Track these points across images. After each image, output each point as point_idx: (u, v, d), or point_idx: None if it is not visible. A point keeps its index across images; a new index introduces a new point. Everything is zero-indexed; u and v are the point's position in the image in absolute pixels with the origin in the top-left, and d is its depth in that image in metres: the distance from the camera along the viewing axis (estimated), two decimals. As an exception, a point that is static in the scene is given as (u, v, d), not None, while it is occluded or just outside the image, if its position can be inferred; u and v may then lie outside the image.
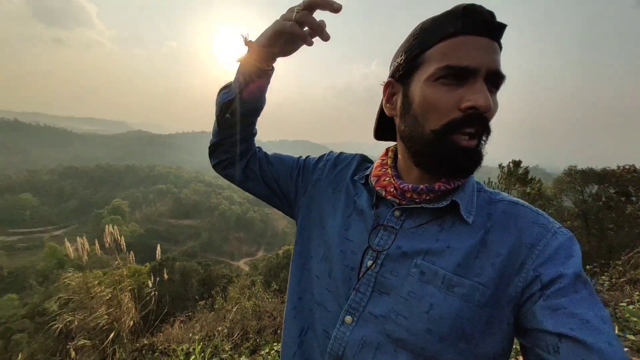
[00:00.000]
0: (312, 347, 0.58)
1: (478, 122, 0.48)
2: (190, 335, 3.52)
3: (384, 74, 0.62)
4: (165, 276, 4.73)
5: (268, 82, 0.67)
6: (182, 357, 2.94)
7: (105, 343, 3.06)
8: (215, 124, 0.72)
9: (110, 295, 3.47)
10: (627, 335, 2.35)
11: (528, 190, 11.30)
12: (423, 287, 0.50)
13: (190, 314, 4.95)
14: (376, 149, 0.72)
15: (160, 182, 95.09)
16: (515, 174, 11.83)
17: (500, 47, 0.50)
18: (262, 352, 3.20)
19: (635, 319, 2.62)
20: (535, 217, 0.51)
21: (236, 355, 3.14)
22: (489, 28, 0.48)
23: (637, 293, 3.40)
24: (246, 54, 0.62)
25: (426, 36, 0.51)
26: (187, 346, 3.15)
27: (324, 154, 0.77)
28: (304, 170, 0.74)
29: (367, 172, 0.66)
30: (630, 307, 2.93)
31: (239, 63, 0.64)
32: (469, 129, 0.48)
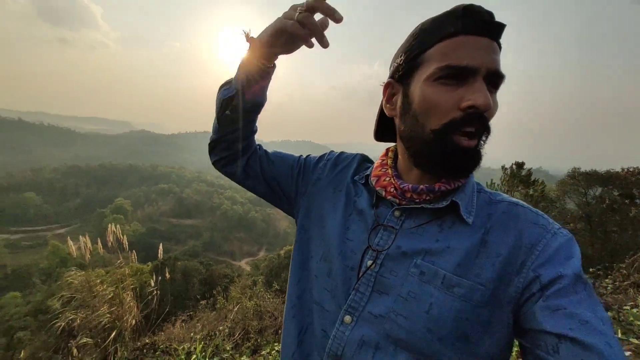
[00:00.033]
0: (311, 346, 0.58)
1: (478, 121, 0.48)
2: (192, 334, 3.52)
3: (386, 75, 0.62)
4: (167, 275, 4.75)
5: (269, 80, 0.67)
6: (183, 357, 2.95)
7: (107, 341, 3.07)
8: (215, 120, 0.72)
9: (112, 294, 3.49)
10: (631, 339, 2.33)
11: (531, 192, 11.24)
12: (423, 287, 0.50)
13: (191, 313, 4.96)
14: (379, 150, 0.72)
15: (162, 181, 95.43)
16: (518, 175, 11.77)
17: (500, 47, 0.50)
18: (263, 352, 3.20)
19: (639, 323, 2.60)
20: (535, 218, 0.52)
21: (237, 355, 3.14)
22: (489, 28, 0.48)
23: (641, 296, 3.37)
24: (247, 50, 0.62)
25: (426, 36, 0.51)
26: (189, 345, 3.16)
27: (325, 153, 0.77)
28: (305, 169, 0.74)
29: (367, 172, 0.66)
30: (634, 310, 2.91)
31: (240, 59, 0.64)
32: (469, 129, 0.48)
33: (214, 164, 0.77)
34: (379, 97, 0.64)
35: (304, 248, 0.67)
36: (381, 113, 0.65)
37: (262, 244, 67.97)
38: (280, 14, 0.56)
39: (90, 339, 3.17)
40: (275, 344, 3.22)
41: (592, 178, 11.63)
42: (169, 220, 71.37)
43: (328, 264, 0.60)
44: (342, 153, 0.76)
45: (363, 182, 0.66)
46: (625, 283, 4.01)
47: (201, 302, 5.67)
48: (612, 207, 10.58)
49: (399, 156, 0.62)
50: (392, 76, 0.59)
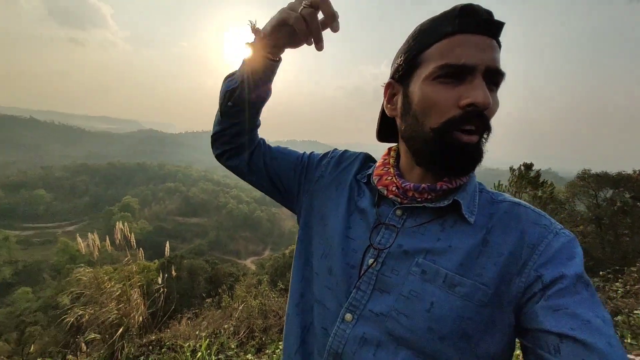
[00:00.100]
0: (313, 344, 0.58)
1: (477, 119, 0.48)
2: (197, 332, 3.55)
3: (392, 75, 0.59)
4: (173, 273, 4.80)
5: (273, 74, 0.67)
6: (188, 354, 2.97)
7: (115, 337, 3.11)
8: (218, 112, 0.72)
9: (120, 291, 3.54)
10: (642, 344, 2.28)
11: (539, 193, 11.07)
12: (424, 286, 0.50)
13: (197, 311, 5.00)
14: (385, 150, 0.72)
15: (169, 180, 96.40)
16: (527, 177, 11.60)
17: (500, 45, 0.50)
18: (268, 350, 3.22)
19: (650, 328, 2.55)
20: (537, 217, 0.51)
21: (242, 353, 3.16)
22: (487, 26, 0.48)
23: (652, 301, 3.30)
24: (253, 42, 0.62)
25: (424, 37, 0.52)
26: (194, 343, 3.19)
27: (329, 151, 0.77)
28: (308, 166, 0.74)
29: (370, 171, 0.66)
30: (645, 315, 2.85)
31: (246, 50, 0.64)
32: (469, 127, 0.48)
33: (216, 157, 0.77)
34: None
35: (306, 245, 0.68)
36: (383, 114, 0.65)
37: (267, 243, 68.21)
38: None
39: (98, 335, 3.23)
40: (280, 343, 3.23)
41: (603, 180, 11.40)
42: (175, 219, 72.06)
43: (329, 261, 0.60)
44: (345, 151, 0.76)
45: (365, 181, 0.66)
46: (636, 287, 3.94)
47: (207, 300, 5.70)
48: (623, 210, 10.36)
49: (401, 155, 0.62)
50: (392, 77, 0.59)
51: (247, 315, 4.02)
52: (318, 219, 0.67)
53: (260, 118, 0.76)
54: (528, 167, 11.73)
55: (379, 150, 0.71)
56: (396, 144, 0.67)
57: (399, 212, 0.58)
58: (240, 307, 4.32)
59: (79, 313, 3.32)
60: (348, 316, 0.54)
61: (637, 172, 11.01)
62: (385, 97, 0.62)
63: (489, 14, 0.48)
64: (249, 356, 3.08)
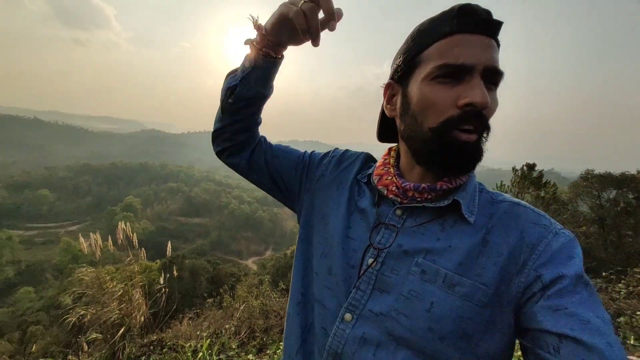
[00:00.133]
0: (313, 344, 0.58)
1: (476, 119, 0.48)
2: (199, 332, 3.56)
3: (394, 75, 0.58)
4: (175, 273, 4.81)
5: (276, 71, 0.67)
6: (189, 354, 2.98)
7: (116, 337, 3.12)
8: (219, 109, 0.72)
9: (121, 291, 3.55)
10: (645, 346, 2.27)
11: (542, 194, 11.02)
12: (424, 286, 0.50)
13: (198, 311, 5.01)
14: (386, 150, 0.72)
15: (171, 180, 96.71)
16: (529, 177, 11.55)
17: (499, 45, 0.50)
18: (269, 351, 3.22)
19: (653, 330, 2.53)
20: (537, 217, 0.51)
21: (243, 353, 3.16)
22: (485, 26, 0.48)
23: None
24: (255, 38, 0.62)
25: (423, 37, 0.52)
26: (195, 343, 3.19)
27: (330, 151, 0.77)
28: (309, 165, 0.74)
29: (370, 171, 0.66)
30: (649, 316, 2.82)
31: (247, 47, 0.64)
32: (467, 126, 0.48)
33: (217, 154, 0.77)
34: (385, 98, 0.56)
35: (307, 245, 0.68)
36: (383, 114, 0.65)
37: (268, 243, 68.27)
38: None
39: (99, 335, 3.23)
40: (281, 344, 3.23)
41: (606, 180, 11.34)
42: (177, 219, 72.28)
43: (329, 261, 0.60)
44: (347, 151, 0.75)
45: (365, 180, 0.66)
46: (639, 288, 3.91)
47: (208, 301, 5.72)
48: (627, 211, 10.30)
49: (401, 155, 0.62)
50: (391, 77, 0.59)
51: (248, 316, 4.02)
52: (319, 218, 0.67)
53: (262, 118, 0.75)
54: (531, 167, 11.68)
55: (380, 150, 0.71)
56: (397, 144, 0.67)
57: (399, 211, 0.58)
58: (242, 308, 4.32)
59: (81, 313, 3.33)
60: (347, 316, 0.54)
61: (641, 172, 10.94)
62: (384, 97, 0.62)
63: (487, 13, 0.48)
64: (250, 356, 3.08)
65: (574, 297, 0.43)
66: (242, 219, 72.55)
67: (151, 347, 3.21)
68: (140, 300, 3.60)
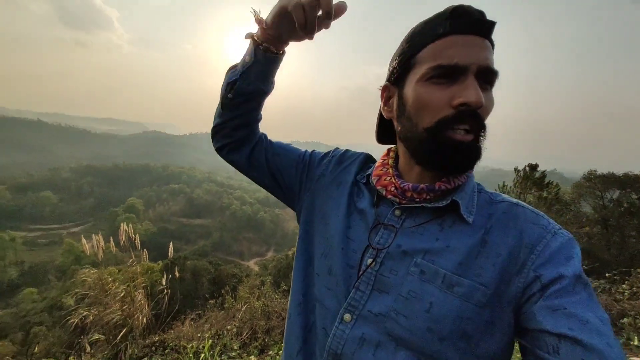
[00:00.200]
0: (314, 344, 0.58)
1: (471, 118, 0.48)
2: (200, 333, 3.56)
3: (395, 75, 0.58)
4: (177, 274, 4.82)
5: (276, 67, 0.67)
6: (191, 355, 2.98)
7: (118, 338, 3.13)
8: (219, 105, 0.71)
9: (124, 292, 3.56)
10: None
11: (545, 194, 10.98)
12: (423, 286, 0.50)
13: (200, 312, 5.01)
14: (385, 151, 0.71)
15: (173, 181, 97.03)
16: (532, 178, 11.51)
17: (493, 45, 0.50)
18: (271, 352, 3.21)
19: (658, 331, 2.51)
20: (536, 218, 0.51)
21: (245, 354, 3.16)
22: (478, 26, 0.48)
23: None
24: (256, 32, 0.61)
25: (417, 39, 0.53)
26: (197, 344, 3.19)
27: (330, 150, 0.77)
28: (310, 165, 0.74)
29: (369, 172, 0.66)
30: (653, 318, 2.80)
31: (248, 41, 0.63)
32: (463, 126, 0.49)
33: (217, 150, 0.77)
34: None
35: (307, 245, 0.68)
36: (381, 116, 0.65)
37: (270, 244, 68.30)
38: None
39: (102, 336, 3.24)
40: (283, 345, 3.23)
41: (609, 181, 11.27)
42: (179, 220, 72.50)
43: (329, 261, 0.60)
44: (347, 151, 0.75)
45: (364, 181, 0.66)
46: (644, 289, 3.87)
47: (210, 302, 5.72)
48: (630, 211, 10.23)
49: (399, 156, 0.62)
50: (388, 79, 0.60)
51: (250, 317, 4.02)
52: (319, 218, 0.67)
53: (263, 119, 0.75)
54: (533, 167, 11.63)
55: (381, 150, 0.71)
56: (395, 145, 0.67)
57: (397, 212, 0.58)
58: (243, 308, 4.32)
59: (84, 314, 3.34)
60: (347, 316, 0.54)
61: (644, 172, 10.86)
62: (382, 99, 0.62)
63: (480, 14, 0.49)
64: (252, 357, 3.07)
65: (573, 297, 0.43)
66: (243, 220, 72.64)
67: (153, 348, 3.21)
68: (142, 301, 3.61)
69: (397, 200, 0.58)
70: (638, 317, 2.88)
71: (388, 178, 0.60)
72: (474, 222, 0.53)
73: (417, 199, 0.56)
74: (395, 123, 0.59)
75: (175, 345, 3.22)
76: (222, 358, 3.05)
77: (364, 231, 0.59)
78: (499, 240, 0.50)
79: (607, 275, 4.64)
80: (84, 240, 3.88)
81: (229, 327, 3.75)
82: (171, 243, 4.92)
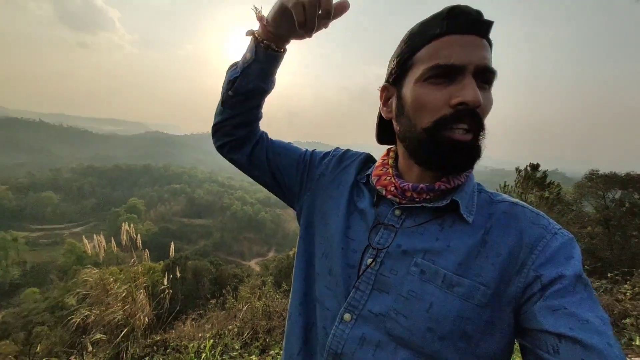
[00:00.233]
0: (315, 344, 0.59)
1: (470, 118, 0.48)
2: (201, 333, 3.57)
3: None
4: (178, 274, 4.82)
5: (277, 65, 0.67)
6: (193, 354, 2.99)
7: (120, 338, 3.14)
8: (220, 103, 0.71)
9: (125, 292, 3.56)
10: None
11: (546, 194, 10.94)
12: (423, 286, 0.50)
13: (201, 312, 5.02)
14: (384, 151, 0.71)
15: (174, 181, 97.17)
16: (533, 177, 11.47)
17: (490, 44, 0.50)
18: (272, 352, 3.22)
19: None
20: (536, 217, 0.51)
21: (246, 354, 3.16)
22: (475, 26, 0.48)
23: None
24: (257, 30, 0.61)
25: (415, 40, 0.53)
26: (198, 343, 3.20)
27: (331, 150, 0.77)
28: (310, 164, 0.74)
29: (369, 172, 0.66)
30: (655, 318, 2.79)
31: (249, 39, 0.63)
32: (461, 125, 0.49)
33: (218, 149, 0.76)
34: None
35: (308, 244, 0.68)
36: (381, 117, 0.65)
37: (271, 244, 68.33)
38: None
39: (103, 335, 3.25)
40: (283, 344, 3.23)
41: (611, 180, 11.23)
42: (180, 220, 72.58)
43: (329, 261, 0.60)
44: (348, 150, 0.75)
45: (364, 181, 0.66)
46: (646, 289, 3.86)
47: (211, 302, 5.72)
48: (632, 211, 10.20)
49: (399, 156, 0.62)
50: (387, 80, 0.60)
51: (251, 317, 4.03)
52: (319, 217, 0.67)
53: (263, 118, 0.75)
54: (534, 167, 11.60)
55: (382, 150, 0.71)
56: (395, 145, 0.67)
57: (397, 212, 0.58)
58: (245, 308, 4.33)
59: (85, 314, 3.35)
60: (347, 316, 0.54)
61: (646, 172, 10.82)
62: (381, 100, 0.62)
63: (477, 13, 0.49)
64: (253, 357, 3.08)
65: (573, 297, 0.42)
66: (244, 220, 72.71)
67: (155, 348, 3.22)
68: (144, 301, 3.62)
69: (397, 200, 0.58)
70: (640, 317, 2.87)
71: (388, 178, 0.60)
72: (474, 221, 0.53)
73: (417, 199, 0.56)
74: (394, 123, 0.60)
75: (177, 345, 3.23)
76: (224, 358, 3.06)
77: (364, 231, 0.59)
78: (499, 240, 0.50)
79: (609, 275, 4.62)
80: (85, 240, 3.89)
81: (230, 327, 3.76)
82: (172, 243, 4.92)
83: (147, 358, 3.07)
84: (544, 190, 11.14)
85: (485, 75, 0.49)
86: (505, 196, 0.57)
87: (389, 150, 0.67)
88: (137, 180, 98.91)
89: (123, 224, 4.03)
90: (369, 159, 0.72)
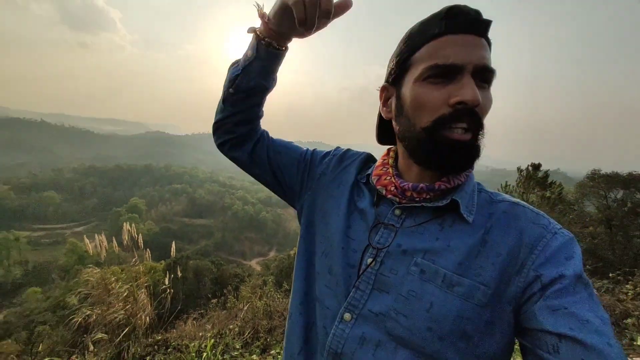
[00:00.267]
0: (316, 344, 0.59)
1: (468, 117, 0.48)
2: (202, 332, 3.57)
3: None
4: (179, 274, 4.83)
5: (278, 63, 0.67)
6: (194, 354, 2.99)
7: (121, 337, 3.14)
8: (221, 100, 0.71)
9: (127, 292, 3.57)
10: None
11: (548, 194, 10.91)
12: (423, 286, 0.50)
13: (202, 311, 5.03)
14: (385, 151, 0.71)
15: (175, 181, 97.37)
16: (535, 177, 11.44)
17: (489, 43, 0.51)
18: (273, 351, 3.22)
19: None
20: (536, 217, 0.51)
21: (247, 354, 3.17)
22: (474, 25, 0.49)
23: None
24: (259, 27, 0.61)
25: (414, 40, 0.53)
26: (199, 343, 3.20)
27: (332, 149, 0.77)
28: (311, 164, 0.74)
29: (369, 172, 0.66)
30: (657, 318, 2.78)
31: (250, 36, 0.63)
32: (460, 124, 0.49)
33: (218, 147, 0.76)
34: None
35: (309, 243, 0.68)
36: (381, 117, 0.65)
37: (272, 244, 68.39)
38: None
39: (105, 335, 3.26)
40: (283, 344, 3.23)
41: (613, 180, 11.19)
42: (181, 220, 72.73)
43: (329, 261, 0.60)
44: (348, 150, 0.75)
45: (364, 181, 0.66)
46: (648, 289, 3.84)
47: (212, 301, 5.74)
48: (634, 211, 10.16)
49: (399, 156, 0.62)
50: (386, 80, 0.60)
51: (252, 316, 4.03)
52: (320, 217, 0.67)
53: (265, 117, 0.75)
54: (536, 167, 11.57)
55: (383, 150, 0.71)
56: (395, 145, 0.67)
57: (397, 211, 0.58)
58: (245, 308, 4.33)
59: (87, 313, 3.36)
60: (347, 316, 0.54)
61: (648, 172, 10.78)
62: (380, 100, 0.63)
63: (476, 13, 0.49)
64: (254, 357, 3.08)
65: (574, 297, 0.42)
66: (245, 220, 72.79)
67: (156, 347, 3.23)
68: (145, 301, 3.63)
69: (397, 199, 0.58)
70: (642, 317, 2.86)
71: (388, 178, 0.60)
72: (474, 221, 0.52)
73: (417, 199, 0.56)
74: (393, 123, 0.60)
75: (178, 344, 3.24)
76: (224, 357, 3.06)
77: (364, 230, 0.59)
78: (499, 240, 0.50)
79: (610, 275, 4.61)
80: (87, 240, 3.89)
81: (231, 326, 3.76)
82: (173, 243, 4.93)
83: (148, 357, 3.07)
84: (546, 190, 11.11)
85: (484, 75, 0.49)
86: (506, 196, 0.57)
87: (389, 150, 0.67)
88: (138, 180, 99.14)
89: (124, 224, 4.04)
90: (369, 159, 0.72)
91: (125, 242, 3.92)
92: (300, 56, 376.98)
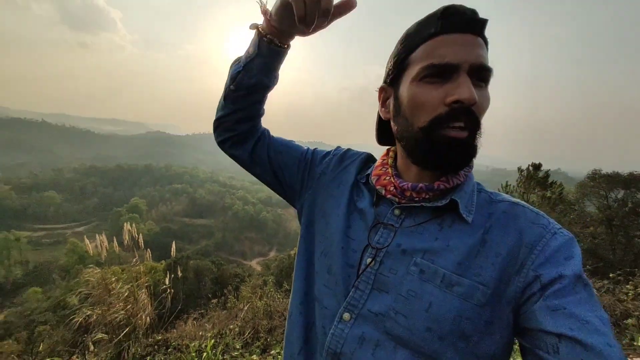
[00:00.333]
0: (316, 343, 0.58)
1: (465, 115, 0.48)
2: (203, 332, 3.57)
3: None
4: (180, 274, 4.83)
5: (280, 61, 0.66)
6: (194, 354, 2.99)
7: (120, 337, 3.15)
8: (222, 97, 0.71)
9: (127, 292, 3.57)
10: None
11: (548, 194, 10.90)
12: (422, 286, 0.50)
13: (203, 311, 5.03)
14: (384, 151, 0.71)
15: (176, 181, 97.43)
16: (535, 177, 11.43)
17: (486, 42, 0.51)
18: (273, 351, 3.22)
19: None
20: (536, 217, 0.51)
21: (247, 354, 3.17)
22: (470, 24, 0.49)
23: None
24: (261, 24, 0.61)
25: (410, 40, 0.53)
26: (200, 343, 3.21)
27: (332, 149, 0.77)
28: (312, 163, 0.74)
29: (369, 172, 0.66)
30: (658, 318, 2.78)
31: (252, 33, 0.63)
32: (457, 123, 0.49)
33: (219, 144, 0.76)
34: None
35: (309, 243, 0.68)
36: (380, 117, 0.66)
37: (272, 244, 68.39)
38: None
39: (105, 335, 3.26)
40: (283, 344, 3.23)
41: (614, 180, 11.18)
42: (182, 220, 72.76)
43: (329, 260, 0.60)
44: (348, 150, 0.75)
45: (364, 181, 0.66)
46: (648, 290, 3.84)
47: (212, 301, 5.74)
48: (635, 211, 10.15)
49: (398, 156, 0.63)
50: (384, 81, 0.60)
51: (252, 316, 4.03)
52: (320, 216, 0.67)
53: (265, 117, 0.75)
54: (536, 167, 11.55)
55: (383, 150, 0.71)
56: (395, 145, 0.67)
57: (397, 211, 0.58)
58: (246, 308, 4.34)
59: (87, 313, 3.36)
60: (346, 315, 0.54)
61: (649, 172, 10.77)
62: (379, 101, 0.63)
63: (472, 12, 0.49)
64: (254, 357, 3.08)
65: (573, 297, 0.42)
66: (246, 220, 72.80)
67: (156, 347, 3.23)
68: (145, 301, 3.63)
69: (397, 199, 0.58)
70: (642, 317, 2.86)
71: (387, 178, 0.60)
72: (474, 221, 0.52)
73: (417, 199, 0.56)
74: (392, 123, 0.60)
75: (178, 344, 3.24)
76: (225, 357, 3.06)
77: (363, 230, 0.59)
78: (498, 240, 0.50)
79: (611, 275, 4.60)
80: (87, 240, 3.90)
81: (231, 326, 3.77)
82: (174, 243, 4.94)
83: (148, 357, 3.08)
84: (546, 190, 11.09)
85: (481, 74, 0.49)
86: (506, 196, 0.57)
87: (388, 150, 0.67)
88: (139, 180, 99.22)
89: (125, 224, 4.04)
90: (369, 159, 0.72)
91: (125, 242, 3.92)
92: (302, 54, 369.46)
